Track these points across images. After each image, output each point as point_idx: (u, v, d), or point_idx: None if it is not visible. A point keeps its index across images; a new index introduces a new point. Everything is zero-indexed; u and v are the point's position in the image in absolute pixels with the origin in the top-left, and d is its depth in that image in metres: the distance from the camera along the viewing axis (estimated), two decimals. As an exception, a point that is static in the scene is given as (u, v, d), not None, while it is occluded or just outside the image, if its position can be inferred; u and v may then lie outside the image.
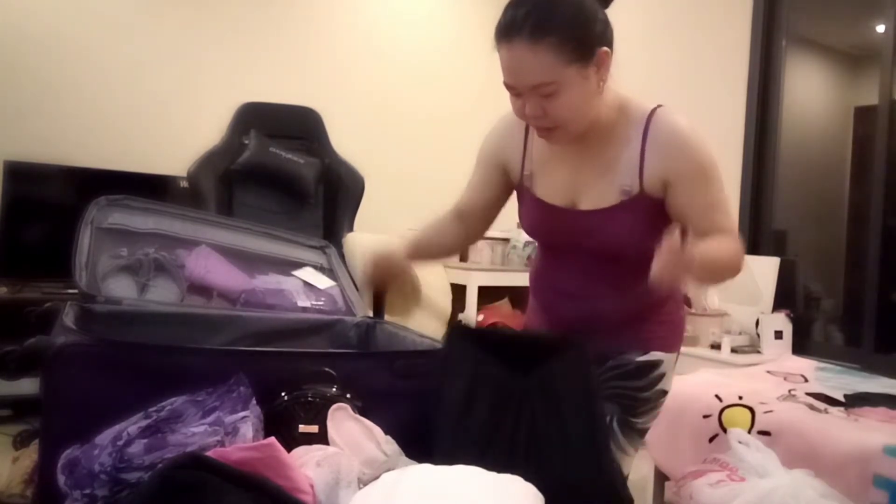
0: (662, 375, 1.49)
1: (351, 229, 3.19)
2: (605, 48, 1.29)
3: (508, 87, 1.31)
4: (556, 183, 1.45)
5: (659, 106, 1.38)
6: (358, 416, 1.25)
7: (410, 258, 1.60)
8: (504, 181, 1.57)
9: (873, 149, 3.10)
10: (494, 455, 1.20)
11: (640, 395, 1.48)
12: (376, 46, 4.51)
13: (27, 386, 2.77)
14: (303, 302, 1.95)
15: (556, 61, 1.24)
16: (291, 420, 1.23)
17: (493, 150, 1.56)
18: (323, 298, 2.00)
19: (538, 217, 1.50)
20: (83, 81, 3.66)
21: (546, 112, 1.29)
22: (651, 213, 1.37)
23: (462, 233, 1.66)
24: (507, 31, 1.25)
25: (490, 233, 1.86)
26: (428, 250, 1.67)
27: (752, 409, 2.15)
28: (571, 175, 1.43)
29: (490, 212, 1.63)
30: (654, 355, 1.49)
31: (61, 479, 1.07)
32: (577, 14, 1.26)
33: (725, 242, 1.33)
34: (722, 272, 1.35)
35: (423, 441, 1.27)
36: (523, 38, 1.23)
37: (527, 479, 1.10)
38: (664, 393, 1.52)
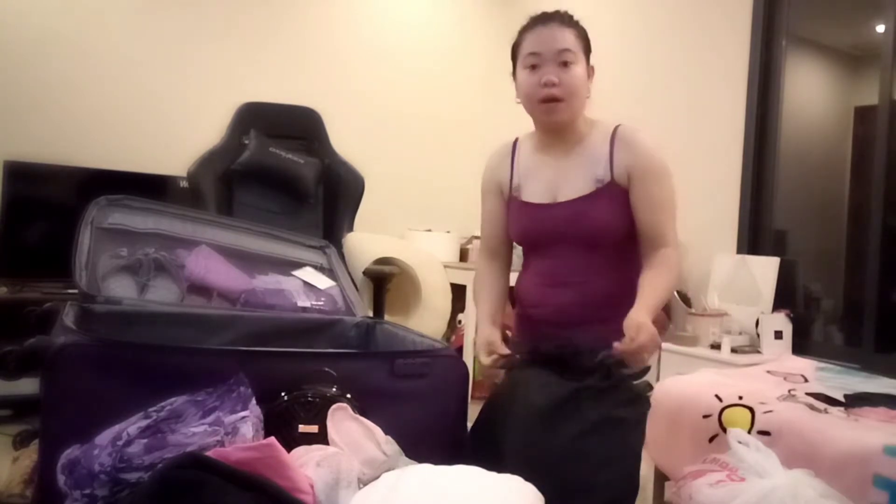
0: (648, 368, 1.61)
1: (351, 229, 3.18)
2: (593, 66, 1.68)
3: (533, 56, 1.62)
4: (540, 185, 1.70)
5: (621, 124, 1.70)
6: (358, 416, 1.25)
7: (499, 329, 1.72)
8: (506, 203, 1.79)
9: (873, 149, 3.10)
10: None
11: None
12: (376, 46, 4.51)
13: (27, 386, 2.74)
14: (303, 302, 1.95)
15: (576, 42, 1.63)
16: (291, 420, 1.23)
17: (491, 177, 1.81)
18: (323, 298, 2.00)
19: (525, 217, 1.72)
20: (83, 81, 3.66)
21: (561, 80, 1.60)
22: (623, 199, 1.63)
23: (504, 268, 1.88)
24: (544, 17, 1.65)
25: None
26: (500, 309, 1.82)
27: (752, 409, 2.14)
28: (552, 177, 1.69)
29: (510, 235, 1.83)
30: None
31: (61, 479, 1.07)
32: (585, 31, 1.68)
33: (663, 271, 1.60)
34: (662, 303, 1.61)
35: (425, 441, 1.28)
36: (556, 21, 1.63)
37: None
38: (650, 387, 1.65)
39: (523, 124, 1.81)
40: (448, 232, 4.46)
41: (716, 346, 3.13)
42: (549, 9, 1.70)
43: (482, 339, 1.64)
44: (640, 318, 1.47)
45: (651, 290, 1.57)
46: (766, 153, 3.44)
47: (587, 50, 1.66)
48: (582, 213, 1.63)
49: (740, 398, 2.23)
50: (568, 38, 1.61)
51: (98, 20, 3.69)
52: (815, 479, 1.58)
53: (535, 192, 1.70)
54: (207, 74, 3.96)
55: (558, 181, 1.67)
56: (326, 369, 1.29)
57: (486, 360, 1.59)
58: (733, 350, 3.06)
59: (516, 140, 1.81)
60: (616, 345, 1.45)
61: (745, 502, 1.52)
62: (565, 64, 1.60)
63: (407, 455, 1.23)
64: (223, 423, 1.11)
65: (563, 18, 1.64)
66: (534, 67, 1.62)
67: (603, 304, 1.64)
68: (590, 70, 1.67)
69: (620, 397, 1.46)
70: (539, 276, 1.73)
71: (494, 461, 1.22)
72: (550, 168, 1.69)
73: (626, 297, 1.62)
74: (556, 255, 1.68)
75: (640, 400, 1.55)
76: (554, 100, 1.61)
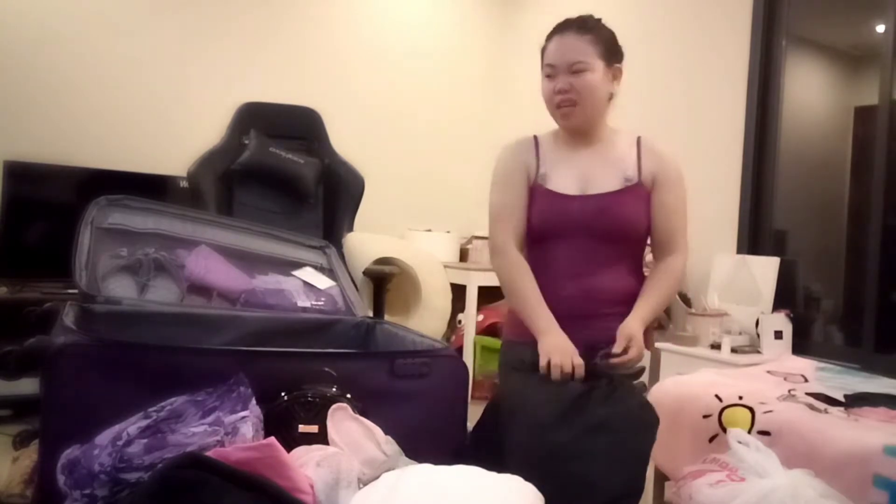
0: (643, 369, 1.65)
1: (351, 229, 3.17)
2: (621, 66, 1.74)
3: (549, 67, 1.70)
4: (568, 177, 1.75)
5: (642, 135, 1.79)
6: (358, 416, 1.25)
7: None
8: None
9: (873, 149, 3.10)
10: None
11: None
12: (376, 46, 4.51)
13: (27, 386, 2.74)
14: (303, 302, 1.95)
15: (591, 51, 1.68)
16: (291, 420, 1.23)
17: (516, 163, 1.79)
18: (323, 298, 2.00)
19: (551, 206, 1.73)
20: (83, 81, 3.66)
21: (573, 86, 1.67)
22: (646, 201, 1.73)
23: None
24: (562, 27, 1.71)
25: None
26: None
27: (752, 409, 2.15)
28: (580, 171, 1.74)
29: None
30: None
31: (61, 479, 1.07)
32: (609, 33, 1.73)
33: (667, 281, 1.71)
34: (659, 313, 1.71)
35: (425, 441, 1.28)
36: (573, 30, 1.69)
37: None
38: (644, 387, 1.72)
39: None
40: (448, 232, 4.46)
41: (716, 346, 3.13)
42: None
43: (565, 347, 1.58)
44: (632, 330, 1.58)
45: (650, 300, 1.66)
46: (766, 153, 3.44)
47: (608, 53, 1.69)
48: (609, 206, 1.69)
49: (740, 398, 2.24)
50: (582, 49, 1.67)
51: (98, 20, 3.69)
52: (815, 479, 1.58)
53: (563, 183, 1.74)
54: (207, 74, 3.96)
55: (588, 175, 1.73)
56: (326, 369, 1.29)
57: (566, 366, 1.54)
58: (733, 350, 3.06)
59: (535, 136, 1.83)
60: (603, 354, 1.54)
61: (745, 502, 1.52)
62: (578, 72, 1.67)
63: (407, 455, 1.23)
64: (223, 423, 1.11)
65: (581, 25, 1.69)
66: (550, 77, 1.71)
67: (606, 300, 1.68)
68: (614, 71, 1.72)
69: (630, 399, 1.48)
70: (548, 267, 1.73)
71: (495, 461, 1.22)
72: (579, 162, 1.75)
73: (629, 296, 1.68)
74: (571, 246, 1.71)
75: (648, 403, 1.57)
76: (568, 104, 1.69)
